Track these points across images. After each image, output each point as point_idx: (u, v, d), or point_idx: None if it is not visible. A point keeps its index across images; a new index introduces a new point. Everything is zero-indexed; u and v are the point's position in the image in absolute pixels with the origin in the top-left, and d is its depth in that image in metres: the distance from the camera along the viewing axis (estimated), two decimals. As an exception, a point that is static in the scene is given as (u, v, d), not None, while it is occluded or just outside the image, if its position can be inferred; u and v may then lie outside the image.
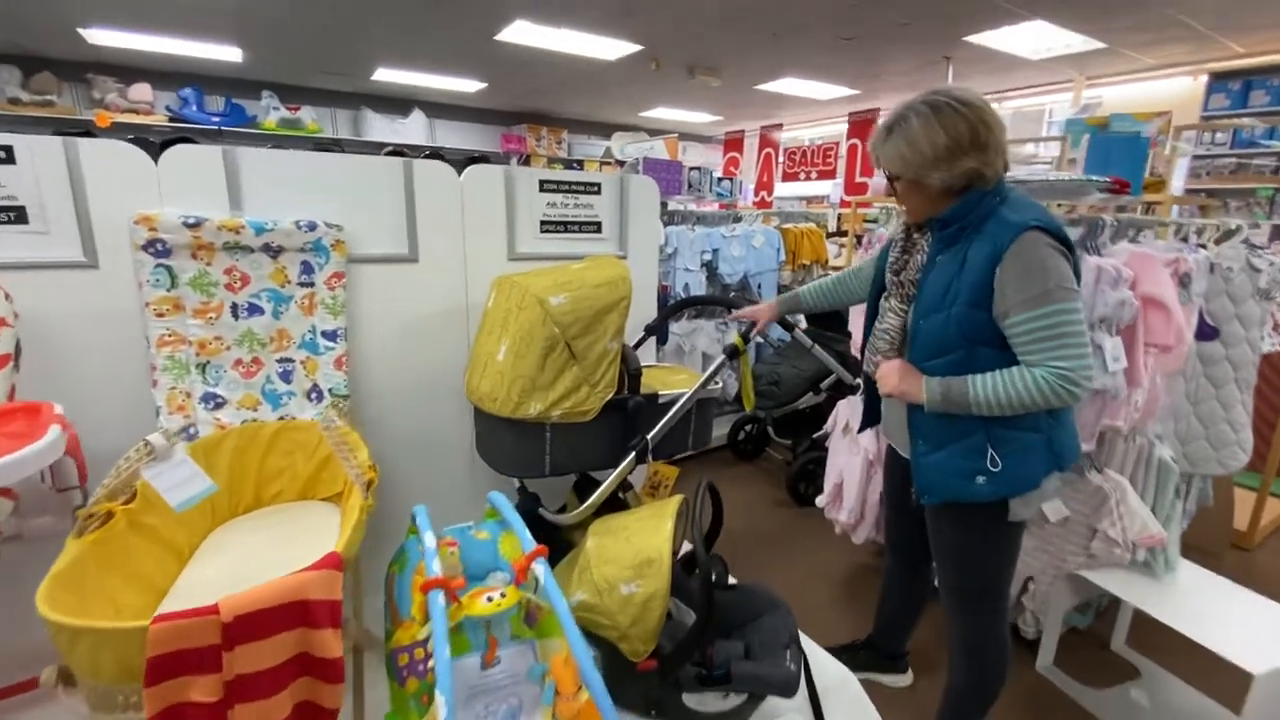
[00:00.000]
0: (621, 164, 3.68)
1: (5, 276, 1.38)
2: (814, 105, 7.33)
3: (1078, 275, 1.20)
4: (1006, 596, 1.46)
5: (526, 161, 7.71)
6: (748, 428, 3.58)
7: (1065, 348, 1.14)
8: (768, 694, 1.41)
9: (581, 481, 1.99)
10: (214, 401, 1.61)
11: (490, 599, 1.11)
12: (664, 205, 3.69)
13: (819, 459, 2.99)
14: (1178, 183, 4.87)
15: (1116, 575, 1.78)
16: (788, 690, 1.36)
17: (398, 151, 6.39)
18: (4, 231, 1.41)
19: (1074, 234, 1.70)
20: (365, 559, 1.46)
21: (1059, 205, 2.26)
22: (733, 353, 1.83)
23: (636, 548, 1.40)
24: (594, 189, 2.12)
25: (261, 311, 1.66)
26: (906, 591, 1.83)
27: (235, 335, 1.64)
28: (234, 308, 1.63)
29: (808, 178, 7.41)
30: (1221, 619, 1.63)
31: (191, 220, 1.51)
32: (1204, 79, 5.37)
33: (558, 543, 1.86)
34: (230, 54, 5.53)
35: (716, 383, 1.90)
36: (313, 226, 1.65)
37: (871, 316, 1.53)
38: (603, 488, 1.69)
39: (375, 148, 6.72)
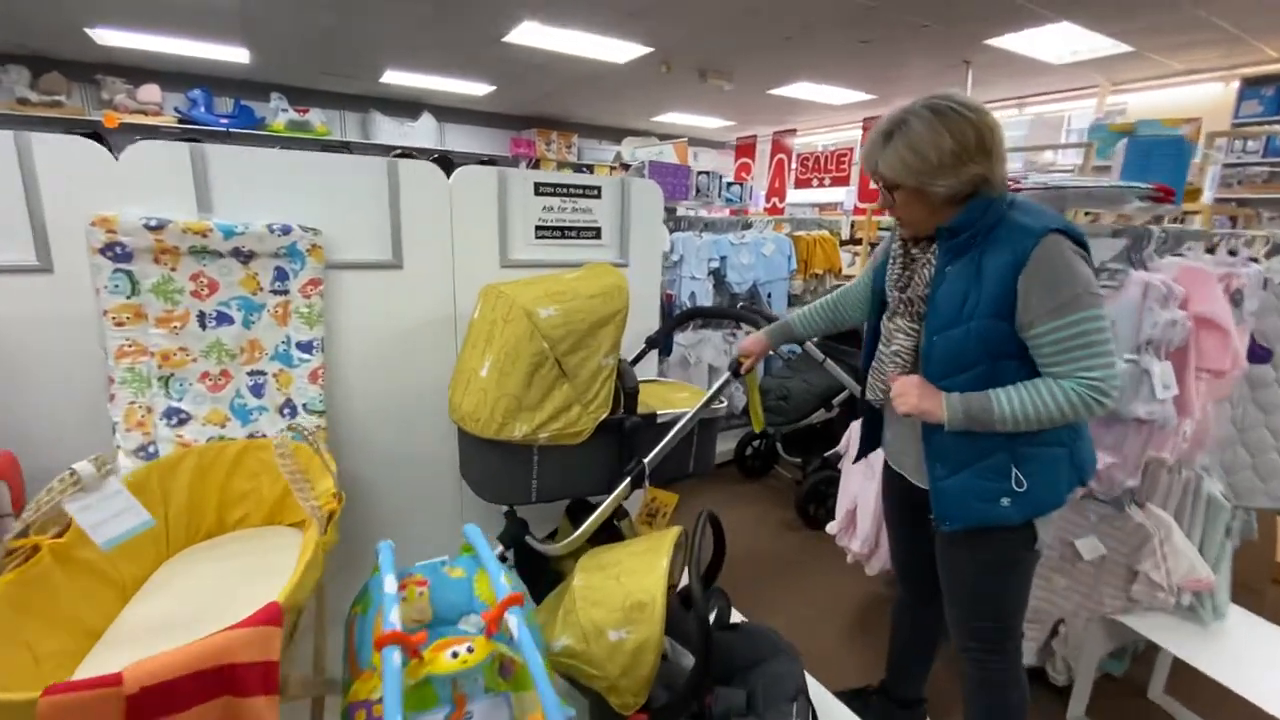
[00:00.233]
0: (628, 167, 3.56)
1: (-53, 281, 1.28)
2: (828, 110, 7.19)
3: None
4: (1021, 633, 1.38)
5: (536, 165, 7.63)
6: (755, 444, 3.44)
7: (1094, 357, 1.08)
8: (771, 755, 1.27)
9: (575, 505, 1.86)
10: (177, 417, 1.50)
11: (456, 654, 0.97)
12: (671, 211, 3.56)
13: (831, 479, 2.84)
14: (1208, 192, 4.68)
15: (1157, 620, 1.63)
16: (794, 752, 1.21)
17: (406, 154, 6.33)
18: (-52, 232, 1.31)
19: (1115, 246, 1.56)
20: (335, 591, 1.34)
21: (1084, 215, 2.11)
22: (737, 370, 1.69)
23: (627, 589, 1.27)
24: (593, 192, 2.00)
25: (231, 321, 1.55)
26: (920, 626, 1.68)
27: (202, 346, 1.53)
28: (201, 316, 1.52)
29: (820, 184, 7.24)
30: (1268, 667, 1.48)
31: (153, 222, 1.40)
32: (1236, 84, 5.18)
33: (547, 572, 1.73)
34: (237, 55, 5.50)
35: (721, 400, 1.77)
36: (287, 230, 1.54)
37: (872, 339, 1.42)
38: (594, 516, 1.56)
39: (384, 150, 6.67)
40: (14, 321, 1.38)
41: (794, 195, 7.62)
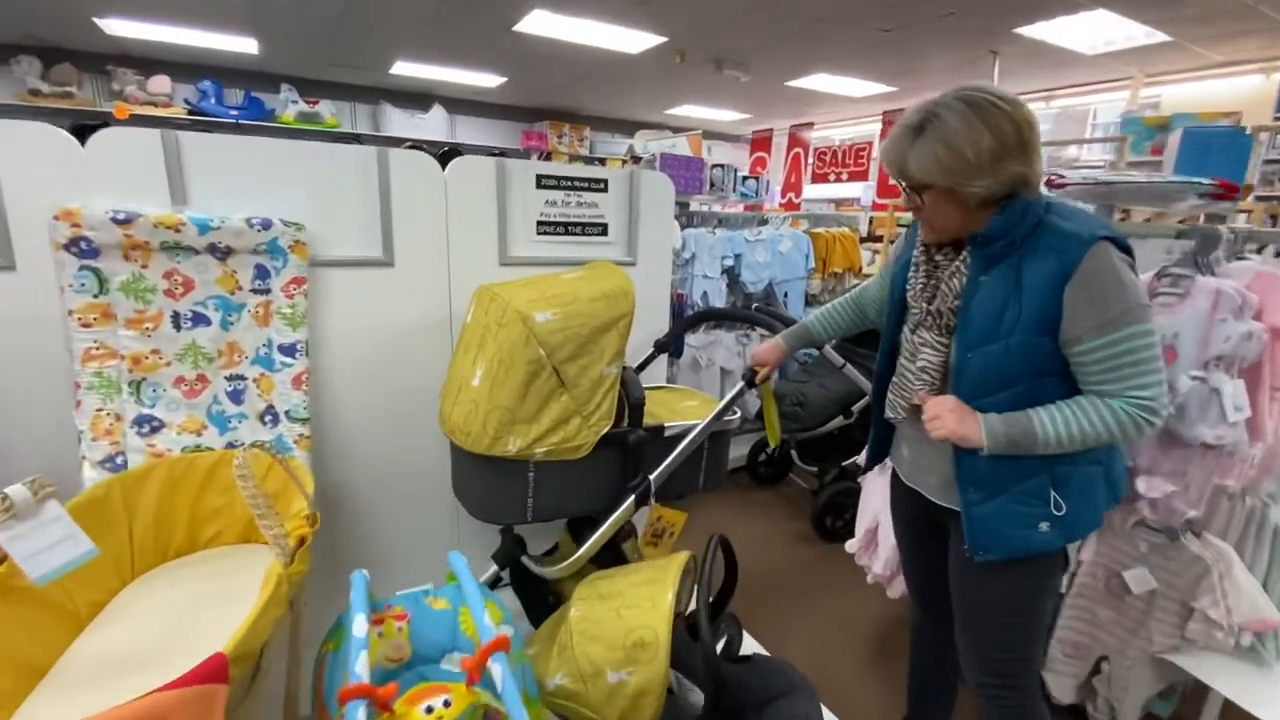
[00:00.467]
0: (639, 160, 3.42)
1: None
2: (847, 103, 6.99)
3: None
4: (1040, 665, 1.34)
5: (548, 158, 7.51)
6: (769, 450, 3.30)
7: (1145, 374, 1.02)
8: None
9: (577, 520, 1.74)
10: (149, 425, 1.40)
11: (431, 709, 0.86)
12: (684, 206, 3.42)
13: (848, 490, 2.70)
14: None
15: (1211, 660, 1.48)
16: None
17: (416, 147, 6.23)
18: (-102, 226, 1.21)
19: (1176, 248, 1.41)
20: (316, 614, 1.23)
21: (1117, 211, 1.94)
22: (752, 379, 1.56)
23: (629, 625, 1.15)
24: (599, 185, 1.87)
25: (208, 322, 1.44)
26: (943, 654, 1.56)
27: (176, 349, 1.42)
28: (175, 317, 1.41)
29: (838, 179, 7.06)
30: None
31: (122, 215, 1.30)
32: (1277, 77, 4.93)
33: (545, 595, 1.61)
34: (245, 45, 5.42)
35: (734, 411, 1.64)
36: (267, 225, 1.42)
37: (891, 351, 1.31)
38: (595, 537, 1.44)
39: (394, 143, 6.56)
40: (-28, 322, 1.28)
41: (810, 190, 7.45)
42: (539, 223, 1.81)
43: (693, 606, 1.42)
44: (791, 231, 3.43)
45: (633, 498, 1.46)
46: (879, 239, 4.17)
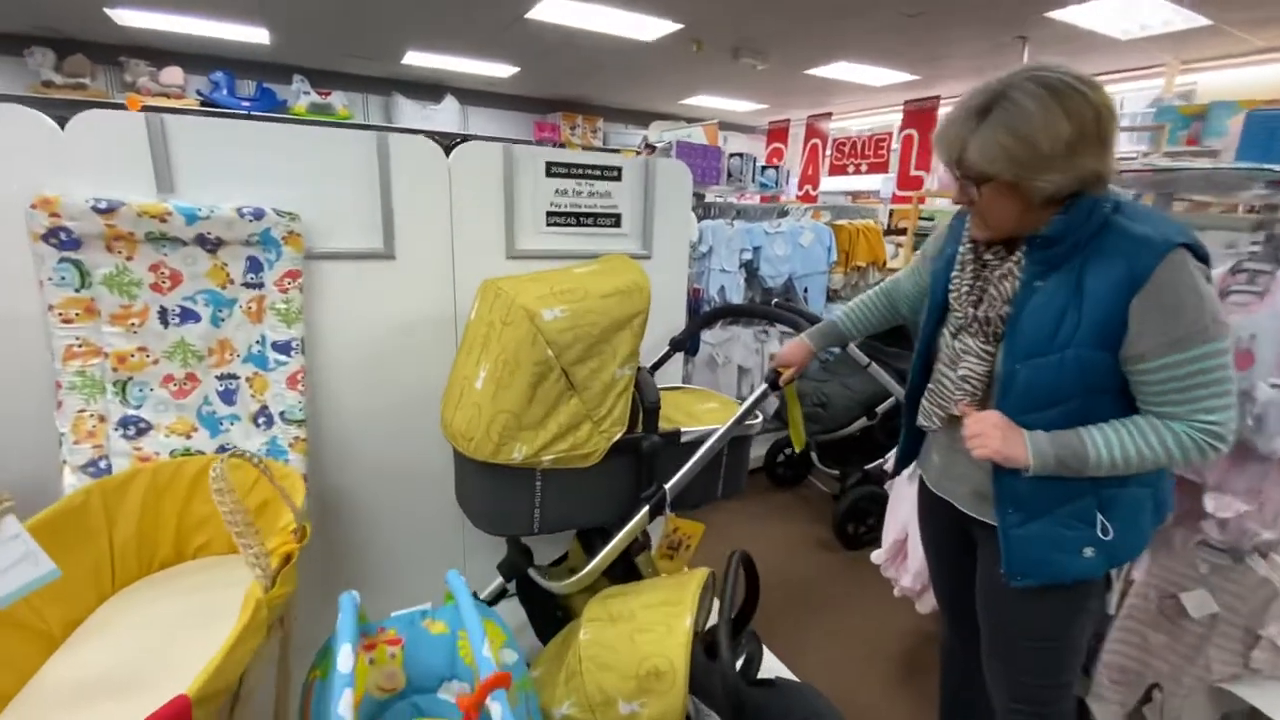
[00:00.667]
0: (653, 149, 3.31)
1: None
2: (867, 93, 6.81)
3: None
4: (1074, 690, 1.22)
5: (561, 149, 7.41)
6: (787, 451, 3.18)
7: (1215, 396, 0.93)
8: None
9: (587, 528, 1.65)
10: (135, 427, 1.32)
11: (421, 755, 0.77)
12: (699, 197, 3.30)
13: (872, 495, 2.58)
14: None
15: (1274, 690, 1.36)
16: None
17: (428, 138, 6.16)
18: None
19: (1242, 242, 1.28)
20: (314, 625, 1.15)
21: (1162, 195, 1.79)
22: (775, 381, 1.46)
23: (643, 652, 1.05)
24: (612, 174, 1.76)
25: (197, 318, 1.36)
26: (972, 675, 1.45)
27: (164, 346, 1.34)
28: (162, 312, 1.33)
29: (857, 171, 6.89)
30: None
31: (103, 204, 1.21)
32: (1323, 63, 4.70)
33: (554, 609, 1.52)
34: (257, 35, 5.37)
35: (755, 416, 1.53)
36: (259, 214, 1.34)
37: (927, 353, 1.21)
38: (606, 551, 1.34)
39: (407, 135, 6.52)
40: (-54, 318, 1.20)
41: (827, 183, 7.28)
42: (548, 213, 1.71)
43: (712, 620, 1.33)
44: (813, 223, 3.30)
45: (647, 508, 1.36)
46: (902, 232, 4.03)
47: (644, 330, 1.29)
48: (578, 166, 1.71)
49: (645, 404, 1.32)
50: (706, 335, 3.09)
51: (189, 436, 1.38)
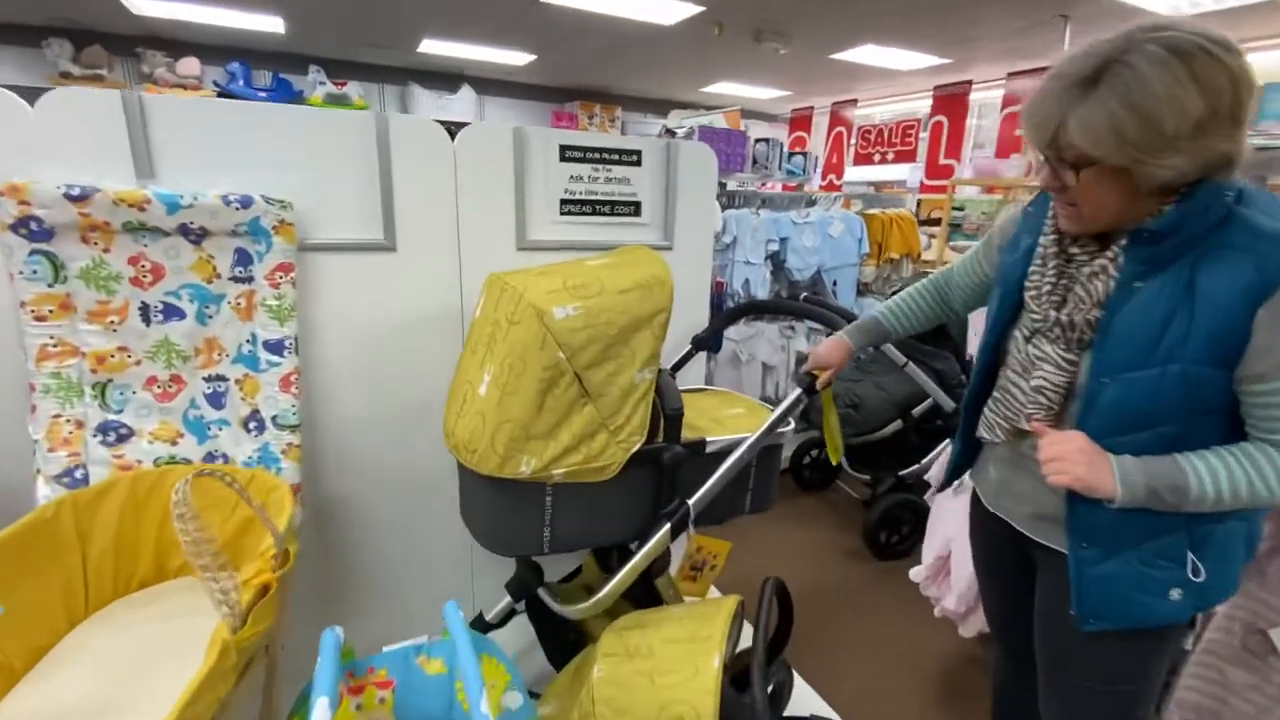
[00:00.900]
0: (674, 135, 3.16)
1: None
2: (894, 78, 6.56)
3: None
4: None
5: (577, 140, 7.30)
6: (814, 453, 3.04)
7: None
8: None
9: (602, 542, 1.53)
10: (115, 433, 1.22)
11: (406, 834, 0.65)
12: (721, 185, 3.15)
13: (905, 502, 2.43)
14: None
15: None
16: None
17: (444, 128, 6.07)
18: None
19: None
20: (310, 640, 1.04)
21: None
22: (811, 385, 1.32)
23: (664, 698, 0.93)
24: (631, 158, 1.63)
25: (181, 314, 1.26)
26: (1029, 707, 1.31)
27: (147, 346, 1.24)
28: (144, 309, 1.23)
29: (883, 160, 6.67)
30: None
31: (76, 191, 1.11)
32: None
33: (566, 632, 1.40)
34: (272, 24, 5.32)
35: (787, 423, 1.40)
36: (247, 202, 1.23)
37: (993, 357, 1.06)
38: (623, 574, 1.22)
39: (409, 117, 6.47)
40: (-90, 315, 1.11)
41: (852, 172, 7.06)
42: (562, 201, 1.58)
43: (741, 642, 1.20)
44: (843, 213, 3.13)
45: (668, 526, 1.24)
46: (936, 222, 3.83)
47: (666, 329, 1.16)
48: (594, 150, 1.58)
49: (667, 411, 1.20)
50: (730, 331, 2.95)
51: (174, 443, 1.28)
